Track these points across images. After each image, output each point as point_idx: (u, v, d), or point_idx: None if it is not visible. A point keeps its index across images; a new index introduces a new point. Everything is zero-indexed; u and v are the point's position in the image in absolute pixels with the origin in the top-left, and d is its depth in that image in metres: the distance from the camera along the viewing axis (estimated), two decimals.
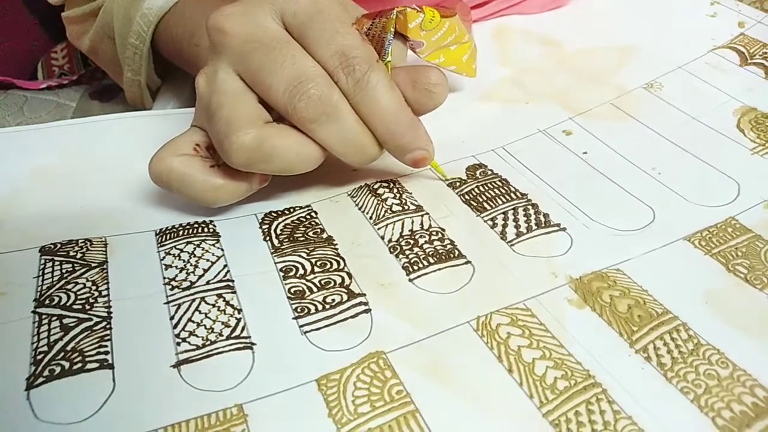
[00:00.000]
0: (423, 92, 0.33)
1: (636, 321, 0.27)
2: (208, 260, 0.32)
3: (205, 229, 0.34)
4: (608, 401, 0.24)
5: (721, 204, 0.33)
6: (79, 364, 0.26)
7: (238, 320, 0.29)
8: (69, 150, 0.39)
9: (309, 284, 0.30)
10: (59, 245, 0.33)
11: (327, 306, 0.29)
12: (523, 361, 0.26)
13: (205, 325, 0.28)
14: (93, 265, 0.32)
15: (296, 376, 0.26)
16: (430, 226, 0.33)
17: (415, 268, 0.31)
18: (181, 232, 0.34)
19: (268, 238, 0.33)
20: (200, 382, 0.26)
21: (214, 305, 0.29)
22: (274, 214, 0.35)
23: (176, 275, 0.31)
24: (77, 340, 0.28)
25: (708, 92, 0.41)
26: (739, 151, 0.36)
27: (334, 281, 0.30)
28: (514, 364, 0.26)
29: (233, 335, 0.28)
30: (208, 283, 0.31)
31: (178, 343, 0.28)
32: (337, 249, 0.32)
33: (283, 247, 0.33)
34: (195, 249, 0.33)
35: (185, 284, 0.31)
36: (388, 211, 0.34)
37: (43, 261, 0.32)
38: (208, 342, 0.28)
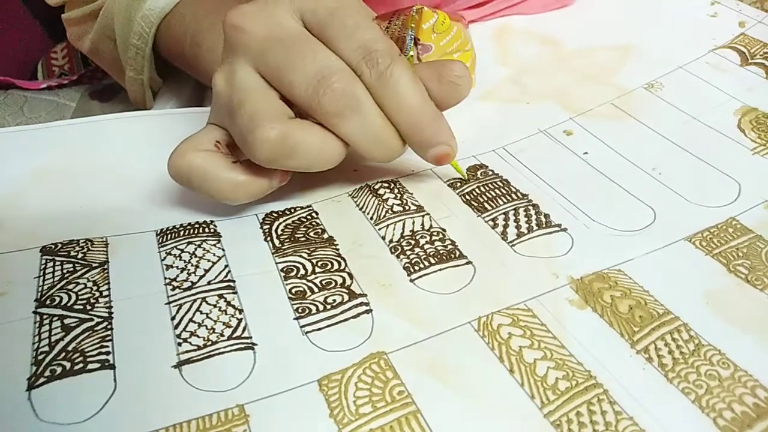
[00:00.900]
0: (449, 85, 0.32)
1: (637, 321, 0.27)
2: (209, 260, 0.32)
3: (206, 230, 0.34)
4: (609, 402, 0.24)
5: (721, 204, 0.33)
6: (80, 365, 0.26)
7: (239, 320, 0.29)
8: (69, 150, 0.39)
9: (310, 284, 0.30)
10: (60, 245, 0.33)
11: (328, 306, 0.29)
12: (525, 362, 0.26)
13: (206, 326, 0.28)
14: (94, 265, 0.32)
15: (297, 377, 0.26)
16: (431, 226, 0.33)
17: (416, 268, 0.31)
18: (182, 233, 0.34)
19: (269, 238, 0.33)
20: (201, 382, 0.26)
21: (215, 305, 0.29)
22: (275, 215, 0.35)
23: (177, 275, 0.31)
24: (78, 340, 0.27)
25: (708, 92, 0.41)
26: (740, 152, 0.36)
27: (335, 281, 0.30)
28: (515, 364, 0.26)
29: (234, 336, 0.28)
30: (209, 283, 0.31)
31: (179, 344, 0.28)
32: (338, 249, 0.32)
33: (284, 247, 0.33)
34: (196, 249, 0.33)
35: (186, 284, 0.31)
36: (389, 211, 0.34)
37: (44, 261, 0.32)
38: (210, 342, 0.28)
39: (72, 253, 0.32)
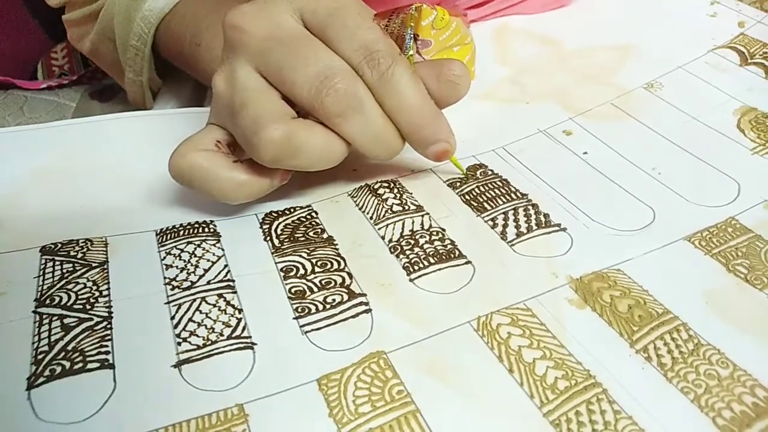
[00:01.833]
0: (448, 84, 0.33)
1: (636, 321, 0.27)
2: (208, 260, 0.32)
3: (206, 229, 0.34)
4: (609, 401, 0.25)
5: (721, 204, 0.33)
6: (80, 364, 0.27)
7: (239, 320, 0.29)
8: (69, 150, 0.39)
9: (309, 284, 0.30)
10: (60, 245, 0.33)
11: (327, 306, 0.29)
12: (524, 361, 0.26)
13: (205, 325, 0.28)
14: (94, 264, 0.32)
15: (297, 376, 0.26)
16: (430, 226, 0.33)
17: (416, 268, 0.31)
18: (181, 232, 0.34)
19: (268, 238, 0.33)
20: (201, 381, 0.26)
21: (214, 305, 0.29)
22: (275, 214, 0.35)
23: (177, 275, 0.31)
24: (78, 339, 0.28)
25: (708, 92, 0.41)
26: (740, 151, 0.36)
27: (335, 281, 0.30)
28: (514, 364, 0.26)
29: (234, 335, 0.28)
30: (208, 283, 0.31)
31: (179, 343, 0.28)
32: (337, 249, 0.32)
33: (283, 247, 0.33)
34: (195, 249, 0.33)
35: (186, 284, 0.31)
36: (389, 211, 0.34)
37: (43, 261, 0.32)
38: (209, 342, 0.28)
39: (72, 253, 0.32)
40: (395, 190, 0.36)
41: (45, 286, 0.30)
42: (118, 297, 0.30)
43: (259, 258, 0.32)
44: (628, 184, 0.35)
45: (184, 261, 0.32)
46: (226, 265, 0.32)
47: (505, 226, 0.33)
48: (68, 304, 0.29)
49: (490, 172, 0.37)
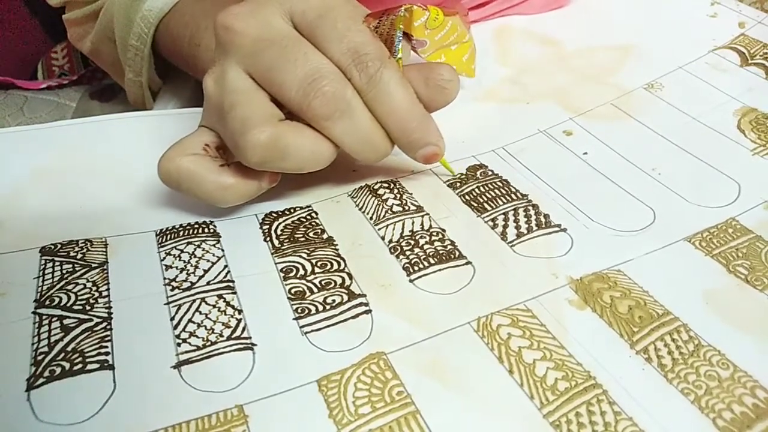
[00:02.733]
0: (436, 89, 0.33)
1: (636, 322, 0.27)
2: (208, 261, 0.32)
3: (206, 230, 0.34)
4: (609, 402, 0.24)
5: (721, 205, 0.33)
6: (80, 365, 0.26)
7: (239, 321, 0.29)
8: (69, 150, 0.39)
9: (309, 285, 0.30)
10: (59, 245, 0.33)
11: (327, 307, 0.29)
12: (524, 362, 0.26)
13: (205, 326, 0.28)
14: (93, 265, 0.32)
15: (297, 377, 0.26)
16: (430, 226, 0.33)
17: (416, 268, 0.31)
18: (181, 233, 0.34)
19: (268, 238, 0.33)
20: (201, 382, 0.26)
21: (214, 306, 0.29)
22: (275, 215, 0.35)
23: (177, 276, 0.31)
24: (78, 340, 0.27)
25: (708, 93, 0.41)
26: (740, 152, 0.36)
27: (335, 282, 0.30)
28: (514, 365, 0.26)
29: (234, 336, 0.28)
30: (208, 283, 0.31)
31: (179, 344, 0.28)
32: (337, 249, 0.32)
33: (283, 247, 0.33)
34: (195, 249, 0.33)
35: (186, 285, 0.30)
36: (389, 211, 0.34)
37: (43, 261, 0.32)
38: (209, 343, 0.28)
39: (71, 254, 0.32)
40: (395, 191, 0.36)
41: (45, 287, 0.30)
42: (118, 298, 0.30)
43: (259, 258, 0.32)
44: (629, 184, 0.35)
45: (184, 261, 0.32)
46: (225, 266, 0.32)
47: (505, 226, 0.33)
48: (68, 304, 0.29)
49: (490, 173, 0.37)
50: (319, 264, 0.31)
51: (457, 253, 0.32)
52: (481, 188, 0.36)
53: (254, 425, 0.25)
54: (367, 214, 0.34)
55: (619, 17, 0.51)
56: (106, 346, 0.27)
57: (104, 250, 0.33)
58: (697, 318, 0.27)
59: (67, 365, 0.26)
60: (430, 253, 0.32)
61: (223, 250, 0.33)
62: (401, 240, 0.33)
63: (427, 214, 0.34)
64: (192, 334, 0.28)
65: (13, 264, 0.32)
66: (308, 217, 0.35)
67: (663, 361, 0.26)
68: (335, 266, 0.31)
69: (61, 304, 0.29)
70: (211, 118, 0.34)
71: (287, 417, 0.25)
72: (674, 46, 0.46)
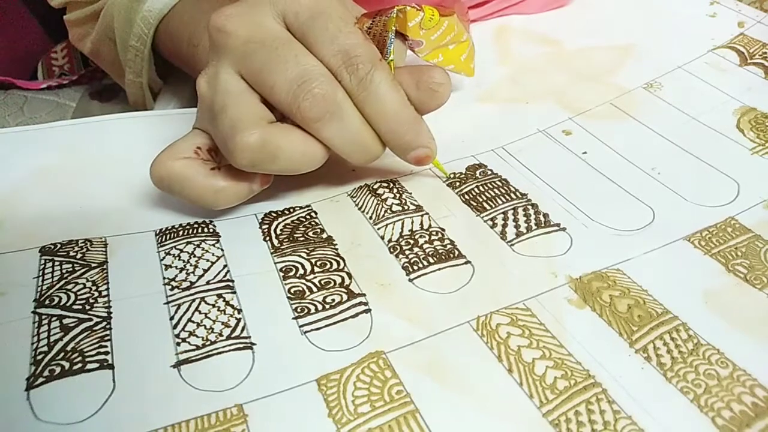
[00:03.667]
0: (427, 92, 0.33)
1: (636, 321, 0.27)
2: (208, 260, 0.32)
3: (205, 229, 0.34)
4: (608, 401, 0.25)
5: (720, 204, 0.33)
6: (79, 365, 0.27)
7: (238, 320, 0.29)
8: (69, 150, 0.39)
9: (309, 284, 0.30)
10: (59, 245, 0.33)
11: (327, 306, 0.29)
12: (523, 361, 0.26)
13: (205, 325, 0.28)
14: (93, 265, 0.32)
15: (296, 376, 0.26)
16: (429, 226, 0.33)
17: (415, 268, 0.31)
18: (181, 232, 0.34)
19: (268, 238, 0.33)
20: (200, 382, 0.26)
21: (214, 305, 0.29)
22: (274, 214, 0.35)
23: (176, 275, 0.31)
24: (77, 340, 0.28)
25: (708, 92, 0.41)
26: (739, 151, 0.36)
27: (334, 281, 0.30)
28: (513, 363, 0.26)
29: (233, 335, 0.28)
30: (208, 283, 0.31)
31: (178, 344, 0.28)
32: (336, 249, 0.32)
33: (282, 247, 0.33)
34: (195, 249, 0.33)
35: (185, 284, 0.31)
36: (388, 211, 0.34)
37: (43, 261, 0.32)
38: (208, 342, 0.28)
39: (71, 254, 0.32)
40: (395, 190, 0.36)
41: (44, 287, 0.30)
42: (118, 297, 0.30)
43: (258, 258, 0.32)
44: (628, 183, 0.35)
45: (184, 261, 0.32)
46: (225, 265, 0.32)
47: (504, 225, 0.33)
48: (67, 304, 0.29)
49: (489, 172, 0.37)
50: (318, 263, 0.31)
51: (457, 253, 0.32)
52: (481, 188, 0.36)
53: (254, 424, 0.25)
54: (367, 213, 0.34)
55: (618, 17, 0.51)
56: (106, 346, 0.27)
57: (104, 249, 0.33)
58: (696, 317, 0.27)
59: (66, 365, 0.26)
60: (430, 253, 0.32)
61: (222, 250, 0.33)
62: (401, 239, 0.33)
63: (427, 213, 0.34)
64: (191, 334, 0.28)
65: (13, 264, 0.32)
66: (308, 216, 0.35)
67: (662, 360, 0.26)
68: (335, 266, 0.31)
69: (61, 303, 0.29)
70: (204, 120, 0.34)
71: (287, 416, 0.25)
72: (673, 45, 0.46)
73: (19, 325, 0.28)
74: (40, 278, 0.31)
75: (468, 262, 0.31)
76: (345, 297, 0.30)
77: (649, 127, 0.39)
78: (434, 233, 0.33)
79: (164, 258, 0.32)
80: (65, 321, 0.28)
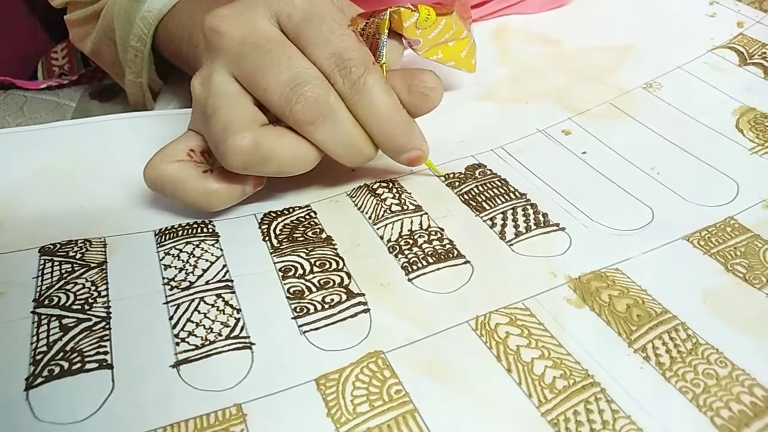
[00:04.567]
0: (418, 96, 0.33)
1: (635, 320, 0.27)
2: (207, 260, 0.32)
3: (205, 229, 0.34)
4: (607, 400, 0.25)
5: (719, 204, 0.33)
6: (79, 364, 0.27)
7: (237, 320, 0.29)
8: (69, 150, 0.39)
9: (308, 284, 0.30)
10: (58, 245, 0.33)
11: (326, 306, 0.29)
12: (522, 361, 0.26)
13: (204, 325, 0.28)
14: (92, 265, 0.32)
15: (295, 376, 0.26)
16: (429, 225, 0.33)
17: (414, 267, 0.31)
18: (180, 232, 0.34)
19: (267, 238, 0.33)
20: (199, 382, 0.26)
21: (213, 305, 0.29)
22: (274, 214, 0.35)
23: (175, 275, 0.31)
24: (76, 340, 0.28)
25: (707, 92, 0.41)
26: (738, 151, 0.36)
27: (333, 281, 0.30)
28: (512, 363, 0.26)
29: (232, 335, 0.28)
30: (207, 283, 0.31)
31: (177, 343, 0.28)
32: (336, 249, 0.32)
33: (282, 247, 0.33)
34: (194, 249, 0.33)
35: (184, 284, 0.31)
36: (387, 211, 0.34)
37: (42, 261, 0.32)
38: (207, 342, 0.28)
39: (70, 254, 0.32)
40: (394, 190, 0.36)
41: (44, 287, 0.30)
42: (117, 297, 0.30)
43: (257, 258, 0.32)
44: (627, 183, 0.35)
45: (183, 261, 0.32)
46: (224, 265, 0.32)
47: (503, 225, 0.33)
48: (67, 304, 0.29)
49: (489, 172, 0.37)
50: (317, 263, 0.31)
51: (456, 252, 0.32)
52: (480, 187, 0.36)
53: (253, 424, 0.25)
54: (366, 213, 0.35)
55: (618, 17, 0.51)
56: (105, 346, 0.27)
57: (103, 249, 0.33)
58: (695, 316, 0.27)
59: (66, 364, 0.27)
60: (429, 252, 0.32)
61: (221, 250, 0.33)
62: (400, 239, 0.33)
63: (426, 213, 0.34)
64: (191, 334, 0.28)
65: (13, 264, 0.32)
66: (307, 216, 0.35)
67: (661, 360, 0.26)
68: (334, 265, 0.31)
69: (60, 303, 0.29)
70: (198, 122, 0.34)
71: (286, 416, 0.25)
72: (673, 45, 0.46)
73: (18, 325, 0.28)
74: (40, 278, 0.31)
75: (467, 261, 0.31)
76: (344, 297, 0.30)
77: (649, 127, 0.39)
78: (433, 233, 0.33)
79: (163, 258, 0.32)
80: (64, 321, 0.28)
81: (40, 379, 0.26)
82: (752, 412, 0.24)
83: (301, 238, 0.33)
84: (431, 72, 0.33)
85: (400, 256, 0.32)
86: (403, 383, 0.26)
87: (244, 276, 0.31)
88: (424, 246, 0.32)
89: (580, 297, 0.29)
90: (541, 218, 0.33)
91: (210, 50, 0.32)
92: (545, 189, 0.35)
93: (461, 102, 0.41)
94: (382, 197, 0.35)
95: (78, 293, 0.30)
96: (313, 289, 0.30)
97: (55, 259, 0.32)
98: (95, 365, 0.27)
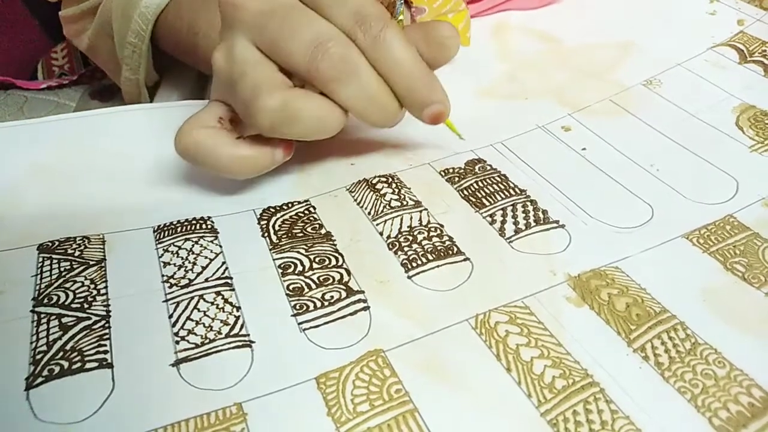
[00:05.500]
0: (436, 46, 0.33)
1: (634, 319, 0.27)
2: (206, 257, 0.32)
3: (204, 226, 0.34)
4: (606, 400, 0.25)
5: (719, 201, 0.33)
6: (78, 364, 0.27)
7: (237, 318, 0.29)
8: (66, 145, 0.39)
9: (308, 281, 0.30)
10: (57, 243, 0.32)
11: (326, 303, 0.29)
12: (522, 360, 0.26)
13: (203, 323, 0.28)
14: (91, 262, 0.31)
15: (295, 375, 0.26)
16: (428, 222, 0.33)
17: (414, 265, 0.31)
18: (179, 229, 0.34)
19: (266, 234, 0.33)
20: (199, 380, 0.26)
21: (212, 303, 0.29)
22: (273, 210, 0.35)
23: (175, 273, 0.31)
24: (76, 339, 0.28)
25: (707, 90, 0.41)
26: (738, 149, 0.36)
27: (333, 278, 0.30)
28: (512, 362, 0.26)
29: (232, 333, 0.28)
30: (206, 280, 0.31)
31: (177, 342, 0.28)
32: (335, 245, 0.32)
33: (281, 243, 0.33)
34: (193, 246, 0.33)
35: (184, 282, 0.30)
36: (387, 206, 0.34)
37: (41, 259, 0.32)
38: (207, 340, 0.28)
39: (69, 251, 0.32)
40: (393, 185, 0.36)
41: (43, 285, 0.30)
42: (116, 295, 0.30)
43: (257, 254, 0.32)
44: (627, 180, 0.35)
45: (182, 258, 0.32)
46: (224, 262, 0.32)
47: (503, 222, 0.33)
48: (66, 302, 0.29)
49: (488, 168, 0.37)
50: (317, 260, 0.31)
51: (456, 249, 0.32)
52: (480, 183, 0.36)
53: (253, 423, 0.25)
54: (366, 208, 0.34)
55: (618, 14, 0.50)
56: (105, 345, 0.27)
57: (102, 247, 0.33)
58: (694, 316, 0.27)
59: (65, 364, 0.26)
60: (429, 249, 0.32)
61: (221, 247, 0.33)
62: (399, 236, 0.33)
63: (426, 209, 0.34)
64: (190, 332, 0.28)
65: (11, 262, 0.32)
66: (306, 211, 0.35)
67: (660, 360, 0.26)
68: (333, 262, 0.31)
69: (60, 302, 0.29)
70: (222, 92, 0.34)
71: (286, 415, 0.25)
72: (673, 43, 0.46)
73: (18, 324, 0.28)
74: (39, 276, 0.31)
75: (467, 259, 0.31)
76: (344, 294, 0.30)
77: (649, 124, 0.39)
78: (433, 229, 0.33)
79: (162, 255, 0.32)
80: (64, 320, 0.28)
81: (40, 379, 0.26)
82: (750, 413, 0.24)
83: (301, 234, 0.33)
84: (446, 22, 0.34)
85: (399, 252, 0.32)
86: (402, 382, 0.26)
87: (243, 273, 0.31)
88: (423, 243, 0.32)
89: (580, 295, 0.29)
90: (541, 215, 0.33)
91: (228, 24, 0.32)
92: (545, 185, 0.35)
93: (461, 98, 0.41)
94: (382, 192, 0.35)
95: (77, 291, 0.30)
96: (313, 286, 0.30)
97: (53, 256, 0.32)
98: (95, 364, 0.27)
